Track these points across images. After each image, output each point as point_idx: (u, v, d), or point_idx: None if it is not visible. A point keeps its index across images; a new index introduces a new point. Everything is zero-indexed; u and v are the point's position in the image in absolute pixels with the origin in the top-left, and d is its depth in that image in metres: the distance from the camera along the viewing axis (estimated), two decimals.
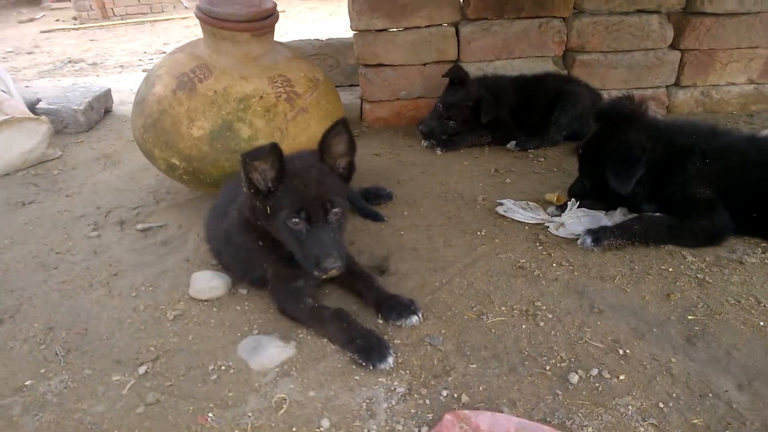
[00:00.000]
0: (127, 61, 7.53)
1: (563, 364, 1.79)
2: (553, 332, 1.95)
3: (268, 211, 1.91)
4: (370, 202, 2.86)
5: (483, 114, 3.45)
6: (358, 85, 4.17)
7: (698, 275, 2.21)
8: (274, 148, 1.79)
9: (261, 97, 2.69)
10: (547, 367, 1.79)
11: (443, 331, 1.98)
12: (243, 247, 2.16)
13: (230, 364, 1.86)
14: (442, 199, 2.95)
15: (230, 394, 1.74)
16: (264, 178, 1.88)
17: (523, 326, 1.99)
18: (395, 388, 1.73)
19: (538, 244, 2.50)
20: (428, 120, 3.61)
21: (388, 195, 2.92)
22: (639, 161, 2.35)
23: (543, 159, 3.44)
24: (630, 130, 2.43)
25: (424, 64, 3.87)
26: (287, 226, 1.89)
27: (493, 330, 1.98)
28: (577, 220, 2.52)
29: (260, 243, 2.07)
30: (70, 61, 7.59)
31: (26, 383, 1.81)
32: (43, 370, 1.87)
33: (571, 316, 2.02)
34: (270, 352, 1.88)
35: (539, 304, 2.10)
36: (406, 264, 2.39)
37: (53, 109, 4.07)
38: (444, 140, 3.62)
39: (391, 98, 3.96)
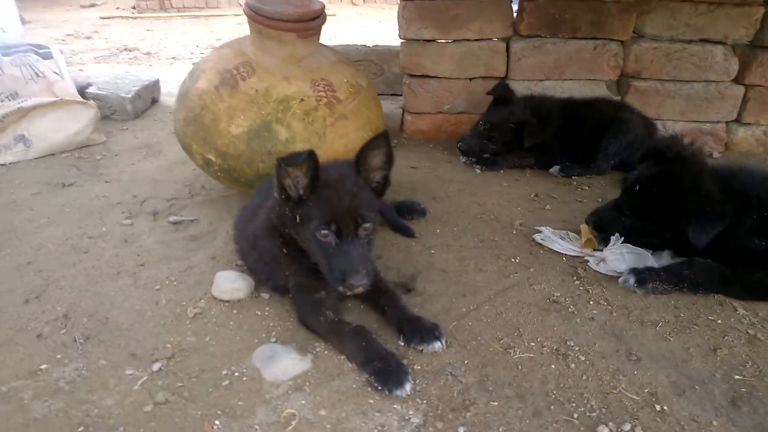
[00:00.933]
0: (179, 53, 7.71)
1: (593, 414, 1.67)
2: (584, 376, 1.82)
3: (298, 219, 1.86)
4: (403, 217, 2.78)
5: (526, 139, 3.32)
6: (400, 95, 4.12)
7: (749, 331, 2.04)
8: (311, 156, 1.74)
9: (302, 100, 2.66)
10: (575, 415, 1.66)
11: (466, 362, 1.88)
12: (268, 252, 2.12)
13: (244, 371, 1.81)
14: (477, 220, 2.84)
15: (240, 403, 1.69)
16: (296, 185, 1.83)
17: (553, 366, 1.87)
18: (410, 418, 1.64)
19: (575, 278, 2.37)
20: (468, 137, 3.51)
21: (422, 211, 2.83)
22: (723, 216, 2.20)
23: (587, 188, 3.29)
24: (702, 178, 2.27)
25: (471, 79, 3.78)
26: (316, 237, 1.83)
27: (519, 366, 1.87)
28: (620, 256, 2.38)
29: (285, 250, 2.02)
30: (125, 49, 7.83)
31: (42, 367, 1.81)
32: (59, 356, 1.86)
33: (606, 361, 1.88)
34: (285, 364, 1.82)
35: (572, 343, 1.97)
36: (434, 285, 2.30)
37: (102, 94, 4.17)
38: (485, 159, 3.51)
39: (433, 111, 3.88)
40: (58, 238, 2.58)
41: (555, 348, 1.95)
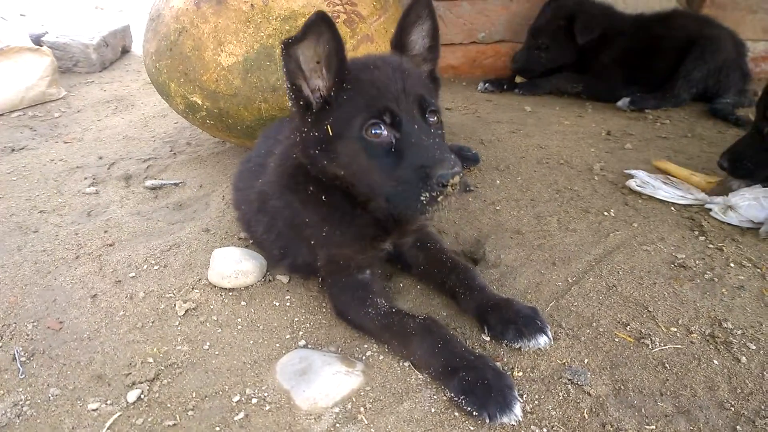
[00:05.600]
0: None
1: None
2: (766, 374, 1.23)
3: (330, 131, 1.22)
4: None
5: (578, 34, 2.72)
6: None
7: None
8: (324, 20, 1.11)
9: None
10: None
11: (587, 361, 1.29)
12: (284, 215, 1.48)
13: (265, 395, 1.21)
14: (544, 167, 2.22)
15: None
16: (315, 76, 1.21)
17: (715, 361, 1.29)
18: None
19: (697, 232, 1.76)
20: (518, 54, 2.99)
21: (474, 157, 2.20)
22: None
23: (667, 121, 2.66)
24: None
25: None
26: (365, 142, 1.19)
27: (666, 364, 1.28)
28: (755, 202, 1.76)
29: (315, 203, 1.36)
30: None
31: None
32: None
33: None
34: (325, 381, 1.22)
35: (729, 325, 1.38)
36: (510, 252, 1.70)
37: (61, 42, 3.46)
38: (517, 83, 3.02)
39: (465, 41, 3.20)
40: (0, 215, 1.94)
41: (708, 333, 1.37)
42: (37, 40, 3.41)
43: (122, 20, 4.17)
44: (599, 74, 2.85)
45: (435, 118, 1.26)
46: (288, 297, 1.53)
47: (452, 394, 1.17)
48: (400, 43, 1.33)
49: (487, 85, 3.03)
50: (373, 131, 1.19)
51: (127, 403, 1.20)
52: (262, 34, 1.96)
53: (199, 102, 2.06)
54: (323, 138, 1.24)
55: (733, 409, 1.17)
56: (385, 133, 1.19)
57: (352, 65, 1.23)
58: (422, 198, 1.13)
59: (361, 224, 1.34)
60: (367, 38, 2.09)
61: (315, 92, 1.23)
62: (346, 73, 1.21)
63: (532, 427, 1.13)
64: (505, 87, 3.02)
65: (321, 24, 1.11)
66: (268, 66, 1.96)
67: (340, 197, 1.33)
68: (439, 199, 1.14)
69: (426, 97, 1.25)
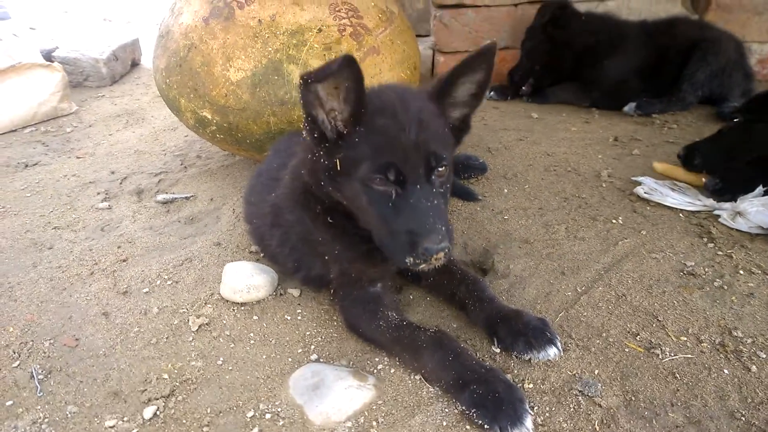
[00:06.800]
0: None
1: None
2: None
3: (338, 166, 1.23)
4: (458, 176, 2.16)
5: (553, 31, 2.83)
6: (425, 36, 3.45)
7: None
8: (349, 63, 1.09)
9: (320, 30, 2.00)
10: None
11: (597, 372, 1.30)
12: (296, 230, 1.50)
13: (278, 410, 1.23)
14: (552, 174, 2.22)
15: None
16: (333, 112, 1.20)
17: (725, 371, 1.28)
18: None
19: (706, 239, 1.76)
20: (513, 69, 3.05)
21: (482, 167, 2.21)
22: None
23: (674, 126, 2.65)
24: None
25: (516, 5, 3.10)
26: (367, 188, 1.21)
27: (676, 374, 1.28)
28: (763, 207, 1.76)
29: (325, 222, 1.39)
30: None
31: None
32: (10, 402, 1.28)
33: None
34: (337, 396, 1.23)
35: (739, 334, 1.38)
36: (518, 262, 1.70)
37: (72, 57, 3.51)
38: (529, 92, 3.03)
39: (470, 48, 3.20)
40: (14, 232, 1.97)
41: (718, 342, 1.36)
42: (48, 56, 3.47)
43: (131, 33, 4.23)
44: (606, 86, 2.85)
45: (444, 170, 1.24)
46: (299, 311, 1.55)
47: (463, 407, 1.18)
48: (441, 91, 1.27)
49: (492, 93, 3.05)
50: (376, 179, 1.19)
51: (144, 419, 1.22)
52: (270, 49, 1.98)
53: (209, 117, 2.09)
54: (332, 168, 1.24)
55: (743, 419, 1.17)
56: (389, 187, 1.20)
57: (371, 101, 1.20)
58: (407, 260, 1.18)
59: (369, 243, 1.35)
60: (374, 50, 2.11)
61: (331, 126, 1.21)
62: (363, 111, 1.19)
63: None
64: (509, 97, 3.04)
65: (346, 68, 1.09)
66: (276, 80, 1.98)
67: (344, 219, 1.35)
68: (421, 266, 1.18)
69: (437, 152, 1.21)
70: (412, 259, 1.18)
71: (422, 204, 1.18)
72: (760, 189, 1.83)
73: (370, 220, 1.27)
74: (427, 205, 1.19)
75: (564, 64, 2.87)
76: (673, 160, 2.27)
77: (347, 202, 1.29)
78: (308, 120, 1.21)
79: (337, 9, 2.06)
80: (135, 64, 3.99)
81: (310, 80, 1.10)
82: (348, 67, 1.08)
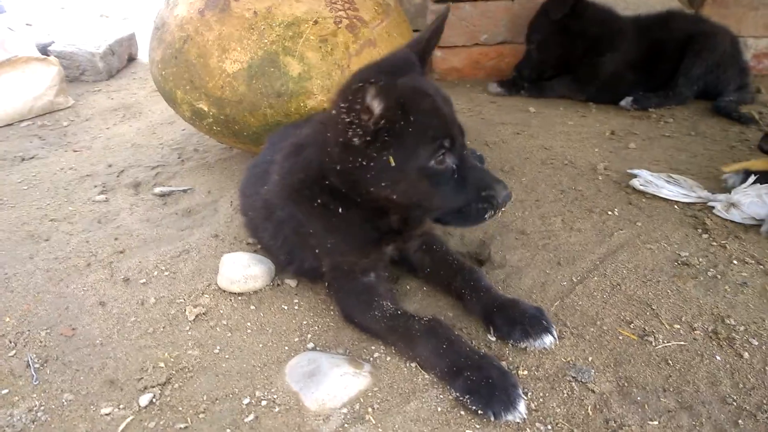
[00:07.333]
0: None
1: None
2: None
3: (391, 162, 1.22)
4: None
5: (551, 9, 2.82)
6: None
7: None
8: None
9: (315, 22, 2.00)
10: None
11: (591, 359, 1.31)
12: (288, 224, 1.50)
13: (274, 397, 1.24)
14: (548, 167, 2.23)
15: None
16: (375, 112, 1.17)
17: (717, 357, 1.30)
18: None
19: (701, 230, 1.77)
20: (520, 63, 3.02)
21: (479, 159, 2.21)
22: None
23: (671, 120, 2.66)
24: None
25: None
26: (431, 170, 1.24)
27: (669, 361, 1.29)
28: (757, 199, 1.77)
29: (317, 217, 1.40)
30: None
31: None
32: (5, 391, 1.29)
33: None
34: (333, 383, 1.24)
35: (732, 321, 1.39)
36: (515, 253, 1.71)
37: (68, 51, 3.49)
38: (527, 87, 3.02)
39: (468, 43, 3.21)
40: (10, 224, 1.97)
41: (711, 329, 1.38)
42: (44, 50, 3.46)
43: (127, 28, 4.21)
44: (602, 80, 2.85)
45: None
46: (296, 301, 1.55)
47: (457, 394, 1.19)
48: (426, 50, 1.37)
49: (500, 89, 3.04)
50: (439, 160, 1.24)
51: (140, 407, 1.22)
52: (266, 41, 1.98)
53: (206, 109, 2.09)
54: (380, 167, 1.22)
55: (735, 404, 1.18)
56: (449, 161, 1.26)
57: (400, 92, 1.19)
58: (487, 215, 1.29)
59: (366, 232, 1.36)
60: (370, 43, 2.11)
61: (370, 125, 1.18)
62: (401, 101, 1.18)
63: (536, 424, 1.15)
64: (521, 91, 3.02)
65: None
66: (272, 72, 1.98)
67: (355, 211, 1.36)
68: (495, 215, 1.31)
69: (459, 120, 1.31)
70: (492, 213, 1.30)
71: (476, 165, 1.32)
72: (751, 179, 1.84)
73: (434, 202, 1.30)
74: (477, 164, 1.33)
75: (576, 53, 2.86)
76: (671, 154, 2.29)
77: (397, 195, 1.27)
78: (353, 125, 1.17)
79: (333, 1, 2.06)
80: (131, 59, 3.98)
81: (371, 83, 1.08)
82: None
